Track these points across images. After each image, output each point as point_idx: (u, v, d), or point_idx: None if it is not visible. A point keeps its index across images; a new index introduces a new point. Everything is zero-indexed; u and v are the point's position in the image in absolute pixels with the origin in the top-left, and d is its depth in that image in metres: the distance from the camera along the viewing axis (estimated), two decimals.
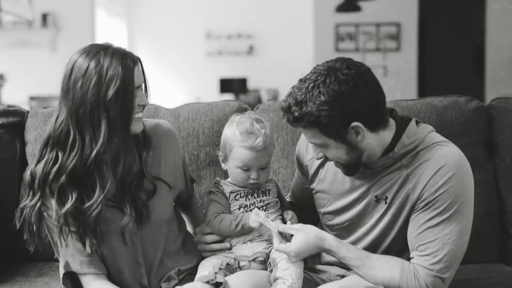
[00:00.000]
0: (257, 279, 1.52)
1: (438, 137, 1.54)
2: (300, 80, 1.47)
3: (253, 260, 1.60)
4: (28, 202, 1.54)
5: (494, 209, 2.00)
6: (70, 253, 1.57)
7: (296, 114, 1.43)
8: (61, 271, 1.61)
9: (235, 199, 1.65)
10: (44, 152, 1.53)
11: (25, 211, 1.54)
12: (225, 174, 2.00)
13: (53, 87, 7.33)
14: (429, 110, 2.02)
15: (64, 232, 1.51)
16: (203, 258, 1.69)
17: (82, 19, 7.56)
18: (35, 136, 2.08)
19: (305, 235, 1.54)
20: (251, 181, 1.63)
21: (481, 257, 1.97)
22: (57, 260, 2.03)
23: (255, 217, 1.56)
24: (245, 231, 1.61)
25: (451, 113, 2.02)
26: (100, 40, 7.96)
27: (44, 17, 7.44)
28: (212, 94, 9.29)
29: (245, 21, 9.70)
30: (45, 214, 1.54)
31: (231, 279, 1.51)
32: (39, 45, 7.50)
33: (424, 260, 1.45)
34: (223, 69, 9.70)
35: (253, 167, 1.63)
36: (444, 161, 1.46)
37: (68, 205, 1.48)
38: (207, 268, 1.55)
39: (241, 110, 2.09)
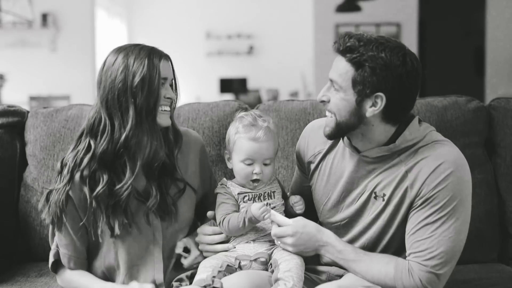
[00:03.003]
0: (257, 279, 1.52)
1: (438, 136, 1.55)
2: (369, 34, 1.51)
3: (255, 260, 1.60)
4: (56, 185, 1.61)
5: (494, 209, 2.00)
6: (63, 245, 1.66)
7: (349, 43, 1.46)
8: (51, 258, 1.70)
9: (243, 201, 1.65)
10: (77, 143, 1.63)
11: (52, 194, 1.61)
12: (226, 174, 2.00)
13: (53, 87, 7.34)
14: (429, 110, 2.02)
15: (97, 216, 1.60)
16: None
17: (82, 19, 7.55)
18: (35, 136, 2.08)
19: (304, 221, 1.58)
20: (254, 177, 1.63)
21: (481, 257, 1.97)
22: None
23: (257, 205, 1.57)
24: (253, 224, 1.60)
25: (451, 113, 2.02)
26: (100, 40, 7.97)
27: (44, 17, 7.43)
28: (212, 94, 9.30)
29: (245, 21, 9.71)
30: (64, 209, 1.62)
31: (230, 279, 1.51)
32: (39, 45, 7.50)
33: (418, 256, 1.46)
34: (223, 69, 9.71)
35: (256, 161, 1.63)
36: (443, 158, 1.47)
37: (100, 187, 1.57)
38: (206, 270, 1.55)
39: (241, 110, 2.09)
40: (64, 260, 1.67)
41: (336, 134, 1.55)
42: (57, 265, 1.71)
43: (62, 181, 1.60)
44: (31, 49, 7.50)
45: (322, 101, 1.55)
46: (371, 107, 1.47)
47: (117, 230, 1.60)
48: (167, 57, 1.64)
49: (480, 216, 1.93)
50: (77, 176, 1.59)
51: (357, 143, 1.56)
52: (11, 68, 7.06)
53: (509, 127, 2.03)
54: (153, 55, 1.59)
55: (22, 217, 2.06)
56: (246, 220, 1.57)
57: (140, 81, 1.55)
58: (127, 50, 1.59)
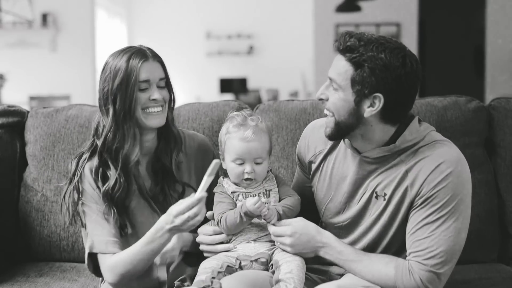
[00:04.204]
0: (257, 279, 1.51)
1: (438, 136, 1.55)
2: (371, 33, 1.50)
3: (255, 260, 1.59)
4: (66, 187, 1.68)
5: (494, 209, 2.00)
6: (96, 233, 1.63)
7: (349, 43, 1.46)
8: (87, 250, 1.66)
9: (238, 200, 1.65)
10: (88, 144, 1.70)
11: (66, 196, 1.67)
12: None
13: (53, 87, 7.34)
14: (429, 110, 2.02)
15: (105, 210, 1.62)
16: None
17: (82, 19, 7.55)
18: (35, 136, 2.08)
19: (304, 222, 1.58)
20: (246, 176, 1.63)
21: (481, 257, 1.97)
22: (57, 261, 2.05)
23: (252, 200, 1.56)
24: (251, 219, 1.60)
25: (451, 113, 2.02)
26: (100, 40, 7.97)
27: (44, 17, 7.44)
28: (212, 94, 9.29)
29: (245, 21, 9.71)
30: (80, 198, 1.65)
31: (230, 279, 1.50)
32: (39, 45, 7.50)
33: (418, 255, 1.46)
34: (223, 69, 9.71)
35: (247, 160, 1.63)
36: (443, 158, 1.47)
37: (107, 183, 1.62)
38: (206, 271, 1.55)
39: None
40: (101, 247, 1.61)
41: (336, 134, 1.55)
42: (96, 270, 1.67)
43: (71, 183, 1.65)
44: (31, 49, 7.50)
45: (321, 99, 1.55)
46: (369, 107, 1.47)
47: (130, 229, 1.63)
48: (154, 58, 1.64)
49: (480, 216, 1.93)
50: (86, 167, 1.64)
51: (357, 144, 1.56)
52: (11, 68, 7.05)
53: (509, 127, 2.03)
54: (133, 58, 1.60)
55: (22, 217, 2.05)
56: (242, 214, 1.57)
57: (118, 85, 1.59)
58: (115, 54, 1.63)
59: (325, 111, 1.55)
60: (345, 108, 1.49)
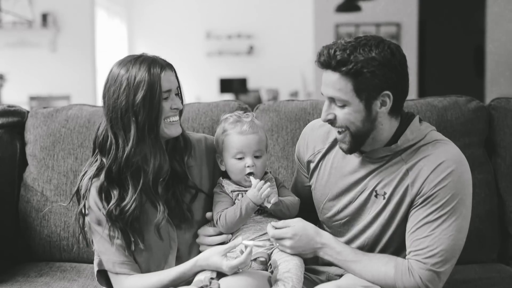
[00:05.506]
0: (256, 279, 1.51)
1: (438, 135, 1.56)
2: (346, 40, 1.48)
3: (254, 260, 1.59)
4: (77, 209, 1.63)
5: (494, 209, 2.00)
6: (103, 252, 1.62)
7: (339, 57, 1.44)
8: (95, 268, 1.65)
9: (237, 199, 1.66)
10: (92, 161, 1.63)
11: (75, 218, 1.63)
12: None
13: (53, 87, 7.34)
14: (429, 110, 2.02)
15: (110, 230, 1.59)
16: None
17: (82, 19, 7.55)
18: (35, 136, 2.08)
19: (303, 223, 1.58)
20: (247, 170, 1.64)
21: (481, 257, 1.97)
22: (57, 261, 2.05)
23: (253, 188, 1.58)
24: (251, 212, 1.61)
25: (451, 113, 2.02)
26: (100, 40, 7.97)
27: (44, 17, 7.44)
28: (212, 94, 9.30)
29: (245, 21, 9.71)
30: (87, 217, 1.62)
31: (229, 279, 1.50)
32: (39, 45, 7.50)
33: (418, 254, 1.47)
34: (223, 69, 9.71)
35: (247, 154, 1.64)
36: (444, 157, 1.48)
37: (110, 203, 1.57)
38: (205, 271, 1.55)
39: (240, 110, 2.09)
40: (108, 266, 1.61)
41: (355, 146, 1.54)
42: (108, 283, 1.65)
43: (79, 205, 1.61)
44: (31, 49, 7.50)
45: (328, 120, 1.53)
46: (381, 107, 1.48)
47: (132, 247, 1.59)
48: (169, 67, 1.60)
49: (480, 216, 1.93)
50: (93, 187, 1.59)
51: (366, 147, 1.56)
52: (11, 68, 7.06)
53: (509, 127, 2.03)
54: (153, 69, 1.54)
55: (22, 217, 2.06)
56: (243, 208, 1.58)
57: (141, 99, 1.52)
58: (127, 66, 1.55)
59: (337, 130, 1.53)
60: (358, 119, 1.48)
